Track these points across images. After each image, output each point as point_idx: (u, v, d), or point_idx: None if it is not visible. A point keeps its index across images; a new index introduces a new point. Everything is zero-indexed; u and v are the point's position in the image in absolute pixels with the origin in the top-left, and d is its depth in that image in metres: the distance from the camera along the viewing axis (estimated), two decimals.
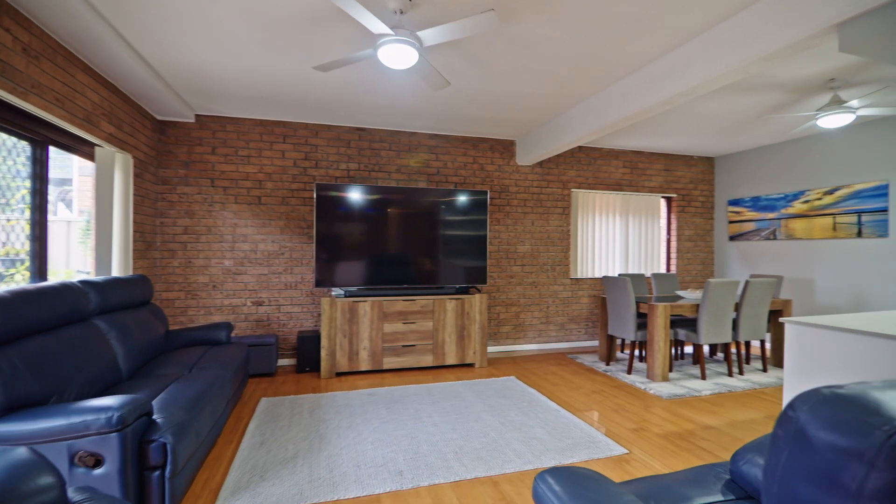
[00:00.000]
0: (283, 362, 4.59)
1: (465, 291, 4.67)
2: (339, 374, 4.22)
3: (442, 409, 3.27)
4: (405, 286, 4.51)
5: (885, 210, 4.37)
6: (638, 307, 4.34)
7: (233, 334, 4.43)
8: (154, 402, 2.13)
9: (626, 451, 2.64)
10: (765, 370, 4.39)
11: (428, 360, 4.40)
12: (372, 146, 4.81)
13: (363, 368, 4.22)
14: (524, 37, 2.79)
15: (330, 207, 4.26)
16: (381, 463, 2.44)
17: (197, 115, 4.33)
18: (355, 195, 4.34)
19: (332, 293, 4.50)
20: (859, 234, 4.59)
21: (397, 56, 2.42)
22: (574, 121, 4.14)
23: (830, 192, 4.86)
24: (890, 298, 4.33)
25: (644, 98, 3.28)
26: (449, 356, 4.47)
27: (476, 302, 4.54)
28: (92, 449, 1.69)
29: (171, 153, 4.28)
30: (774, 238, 5.50)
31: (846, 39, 2.06)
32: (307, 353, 4.28)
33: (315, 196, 4.21)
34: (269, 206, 4.53)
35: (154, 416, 1.97)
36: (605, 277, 4.54)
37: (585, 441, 2.74)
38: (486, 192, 4.70)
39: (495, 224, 5.26)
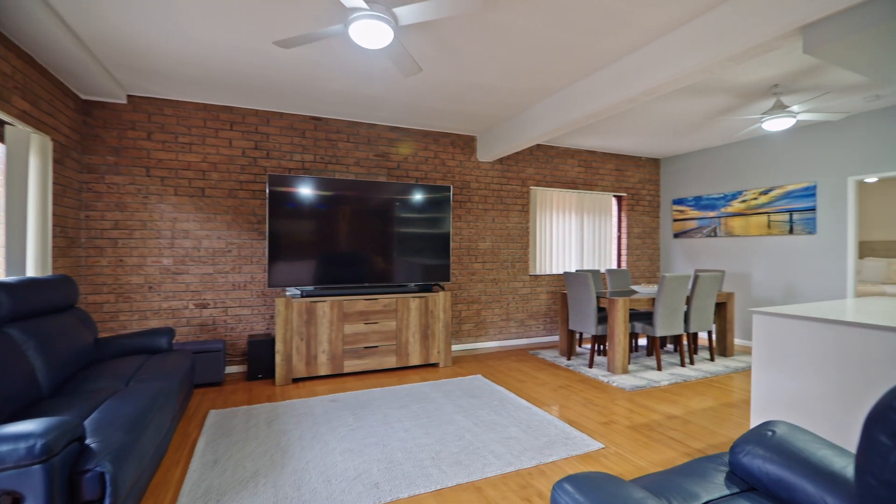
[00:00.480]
0: (231, 369, 4.22)
1: (428, 289, 4.53)
2: (295, 380, 3.94)
3: (412, 413, 3.12)
4: (366, 285, 4.30)
5: (813, 209, 4.76)
6: (598, 302, 4.43)
7: (174, 340, 4.00)
8: (86, 424, 1.81)
9: (601, 445, 2.63)
10: (712, 359, 4.64)
11: (391, 362, 4.22)
12: (329, 137, 4.54)
13: (322, 373, 3.96)
14: (499, 25, 2.71)
15: (284, 201, 3.96)
16: (353, 476, 2.26)
17: (129, 96, 3.85)
18: (311, 188, 4.06)
19: (287, 293, 4.20)
20: (791, 232, 4.98)
21: (370, 34, 2.24)
22: (538, 117, 4.13)
23: (765, 193, 5.24)
24: (817, 290, 4.73)
25: (610, 95, 3.31)
26: (413, 356, 4.32)
27: (440, 300, 4.42)
28: (8, 486, 1.39)
29: (99, 137, 3.78)
30: (715, 235, 5.85)
31: (810, 42, 2.16)
32: (259, 358, 3.95)
33: (267, 189, 3.89)
34: (215, 198, 4.13)
35: (87, 441, 1.67)
36: (566, 273, 4.59)
37: (561, 438, 2.71)
38: (449, 188, 4.59)
39: (456, 220, 5.17)
